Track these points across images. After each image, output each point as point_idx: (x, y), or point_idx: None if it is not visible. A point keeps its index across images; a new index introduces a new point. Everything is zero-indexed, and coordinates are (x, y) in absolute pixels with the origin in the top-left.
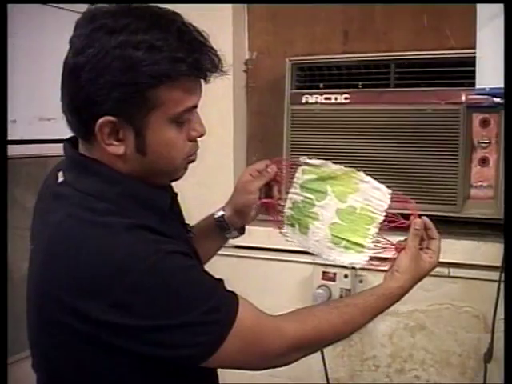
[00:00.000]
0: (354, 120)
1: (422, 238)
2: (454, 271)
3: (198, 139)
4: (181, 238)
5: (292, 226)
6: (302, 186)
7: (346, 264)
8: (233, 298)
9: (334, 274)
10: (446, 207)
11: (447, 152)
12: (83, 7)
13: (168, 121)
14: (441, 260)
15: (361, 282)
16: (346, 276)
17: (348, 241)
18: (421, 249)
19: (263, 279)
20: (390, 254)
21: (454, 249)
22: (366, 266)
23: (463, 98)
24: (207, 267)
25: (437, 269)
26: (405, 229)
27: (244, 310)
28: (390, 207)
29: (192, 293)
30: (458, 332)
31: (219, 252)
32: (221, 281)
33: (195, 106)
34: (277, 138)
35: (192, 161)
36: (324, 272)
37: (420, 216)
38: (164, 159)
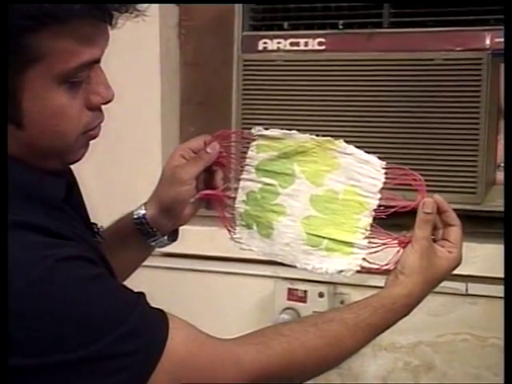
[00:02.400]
0: (332, 75)
1: (436, 225)
2: (473, 287)
3: (103, 106)
4: (83, 239)
5: (248, 226)
6: (258, 169)
7: (331, 273)
8: (159, 317)
9: (305, 291)
10: (461, 196)
11: (464, 119)
12: None
13: (55, 80)
14: (455, 272)
15: (342, 302)
16: (321, 295)
17: (331, 239)
18: (434, 241)
19: (203, 300)
20: (391, 252)
21: (474, 256)
22: (360, 272)
23: (487, 42)
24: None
25: (450, 284)
26: (409, 214)
27: (177, 332)
28: (385, 186)
29: (98, 312)
30: (480, 374)
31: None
32: (141, 295)
33: (97, 61)
34: (222, 100)
35: (94, 136)
36: (290, 289)
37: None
38: (51, 134)
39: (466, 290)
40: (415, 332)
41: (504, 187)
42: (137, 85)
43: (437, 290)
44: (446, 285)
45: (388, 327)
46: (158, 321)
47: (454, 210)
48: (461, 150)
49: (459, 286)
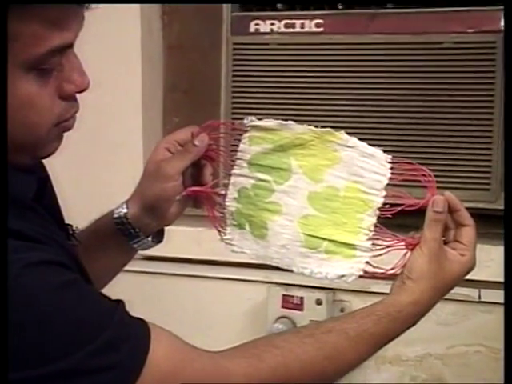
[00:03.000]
0: (331, 59)
1: (447, 225)
2: (487, 294)
3: (78, 95)
4: (56, 242)
5: (240, 227)
6: (251, 163)
7: (330, 278)
8: (140, 328)
9: (301, 298)
10: (474, 194)
11: (476, 108)
12: None
13: (22, 67)
14: (468, 277)
15: (342, 310)
16: (318, 302)
17: (331, 241)
18: (445, 242)
19: (189, 309)
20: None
21: (488, 260)
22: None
23: (502, 24)
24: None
25: (461, 291)
26: (417, 213)
27: (159, 345)
28: (391, 182)
29: (71, 323)
30: None
31: None
32: (120, 303)
33: (69, 46)
34: (210, 87)
35: (68, 128)
36: (285, 296)
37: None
38: (20, 126)
39: (479, 296)
40: (423, 343)
41: (504, 187)
42: (115, 71)
43: (447, 296)
44: (458, 291)
45: (393, 338)
46: (139, 332)
47: (467, 208)
48: (473, 142)
49: (472, 293)
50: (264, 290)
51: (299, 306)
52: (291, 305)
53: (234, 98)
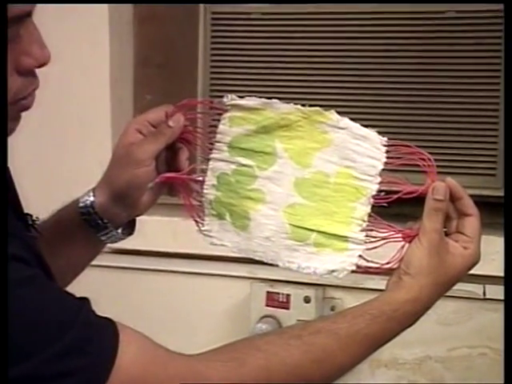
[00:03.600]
0: (321, 31)
1: (448, 215)
2: (492, 290)
3: (37, 70)
4: (13, 235)
5: (219, 217)
6: (231, 147)
7: (320, 273)
8: (108, 328)
9: (287, 296)
10: (478, 180)
11: (481, 85)
12: None
13: None
14: (471, 272)
15: (333, 309)
16: (307, 300)
17: (320, 232)
18: (447, 234)
19: (163, 307)
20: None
21: (493, 252)
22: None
23: None
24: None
25: (465, 287)
26: (416, 201)
27: (129, 347)
28: (386, 167)
29: (32, 323)
30: None
31: None
32: (85, 301)
33: (27, 14)
34: (187, 62)
35: (27, 107)
36: (270, 293)
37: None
38: None
39: (484, 293)
40: (422, 345)
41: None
42: (79, 43)
43: (449, 293)
44: (461, 287)
45: (389, 339)
46: (106, 332)
47: (470, 196)
48: (478, 123)
49: (476, 289)
50: (247, 286)
51: (285, 304)
52: (276, 303)
53: (212, 73)
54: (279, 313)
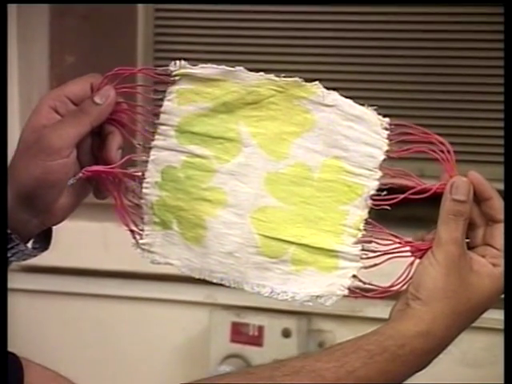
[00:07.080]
0: None
1: (472, 221)
2: None
3: None
4: None
5: (164, 225)
6: (181, 131)
7: (301, 300)
8: (11, 366)
9: (259, 327)
10: (481, 169)
11: (482, 66)
12: None
13: None
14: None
15: (321, 345)
16: (286, 333)
17: (301, 245)
18: (470, 247)
19: (92, 343)
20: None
21: None
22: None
23: None
24: None
25: (496, 315)
26: (429, 202)
27: None
28: (389, 156)
29: None
30: None
31: None
32: None
33: None
34: (123, 15)
35: None
36: (236, 325)
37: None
38: None
39: None
40: None
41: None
42: None
43: (475, 324)
44: (491, 316)
45: None
46: (8, 371)
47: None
48: (478, 107)
49: None
50: (205, 315)
51: (257, 340)
52: (245, 337)
53: (156, 34)
54: (248, 351)
